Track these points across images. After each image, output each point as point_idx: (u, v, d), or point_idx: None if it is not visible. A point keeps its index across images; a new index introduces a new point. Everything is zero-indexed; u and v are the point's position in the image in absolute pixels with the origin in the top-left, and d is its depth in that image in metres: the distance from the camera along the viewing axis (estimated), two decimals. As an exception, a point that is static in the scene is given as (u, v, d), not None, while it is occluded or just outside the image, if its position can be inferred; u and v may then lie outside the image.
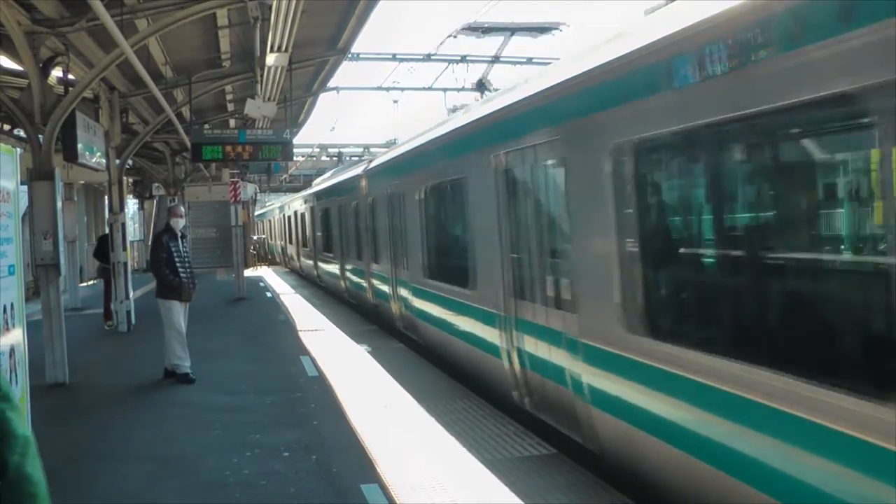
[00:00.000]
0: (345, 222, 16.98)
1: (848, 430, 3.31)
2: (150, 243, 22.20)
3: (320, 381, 9.16)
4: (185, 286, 9.45)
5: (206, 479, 5.80)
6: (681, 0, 5.03)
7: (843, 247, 4.05)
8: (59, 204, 9.41)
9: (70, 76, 11.35)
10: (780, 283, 4.31)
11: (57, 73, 11.25)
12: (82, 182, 21.94)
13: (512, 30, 13.35)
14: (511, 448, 6.21)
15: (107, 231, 14.60)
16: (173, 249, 9.40)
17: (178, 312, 9.43)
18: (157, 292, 9.55)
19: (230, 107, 19.22)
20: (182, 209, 10.31)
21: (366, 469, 5.86)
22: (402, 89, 24.44)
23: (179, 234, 9.62)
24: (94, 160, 12.00)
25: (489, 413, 7.35)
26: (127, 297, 13.89)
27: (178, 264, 9.40)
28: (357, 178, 15.78)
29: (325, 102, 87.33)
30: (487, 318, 7.68)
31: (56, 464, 6.13)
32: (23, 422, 2.13)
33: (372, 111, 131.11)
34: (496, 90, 8.43)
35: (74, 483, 5.81)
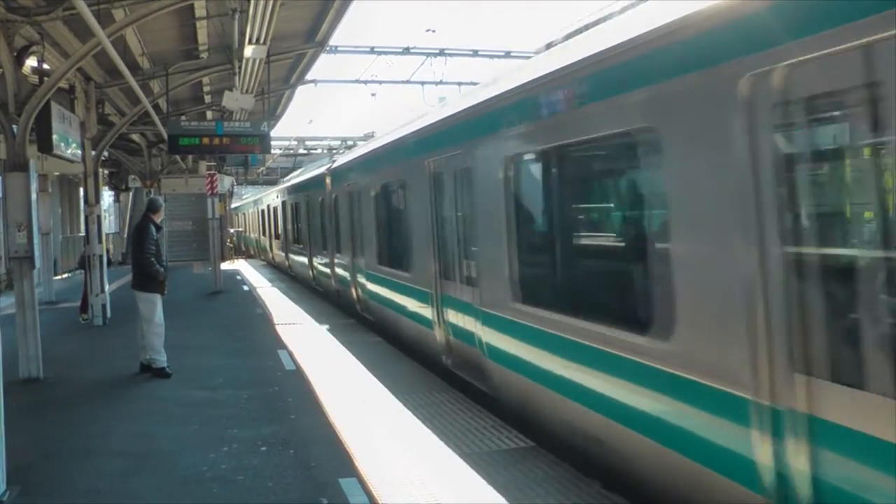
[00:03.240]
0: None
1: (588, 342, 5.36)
2: (130, 234, 21.99)
3: (298, 375, 9.15)
4: (165, 280, 9.37)
5: (182, 474, 5.78)
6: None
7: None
8: (34, 195, 9.28)
9: (45, 66, 11.20)
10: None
11: (32, 62, 11.10)
12: (57, 173, 21.70)
13: None
14: (489, 441, 6.26)
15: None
16: (159, 242, 9.34)
17: (160, 306, 9.33)
18: (136, 284, 9.29)
19: (207, 98, 19.07)
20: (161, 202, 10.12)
21: (344, 463, 5.87)
22: (381, 82, 24.44)
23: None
24: (69, 151, 11.83)
25: (467, 406, 7.39)
26: (102, 290, 13.75)
27: (161, 257, 9.33)
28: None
29: (302, 95, 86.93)
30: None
31: (30, 459, 6.09)
32: None
33: (350, 104, 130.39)
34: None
35: (49, 479, 5.77)
